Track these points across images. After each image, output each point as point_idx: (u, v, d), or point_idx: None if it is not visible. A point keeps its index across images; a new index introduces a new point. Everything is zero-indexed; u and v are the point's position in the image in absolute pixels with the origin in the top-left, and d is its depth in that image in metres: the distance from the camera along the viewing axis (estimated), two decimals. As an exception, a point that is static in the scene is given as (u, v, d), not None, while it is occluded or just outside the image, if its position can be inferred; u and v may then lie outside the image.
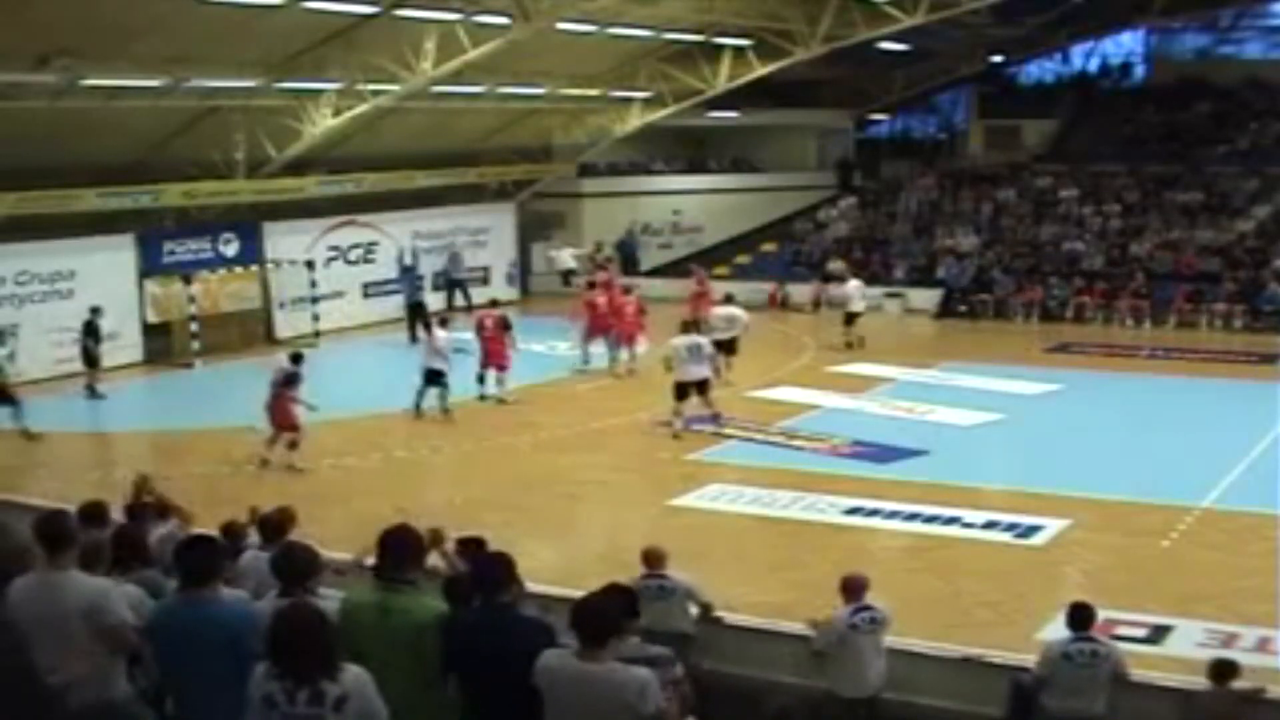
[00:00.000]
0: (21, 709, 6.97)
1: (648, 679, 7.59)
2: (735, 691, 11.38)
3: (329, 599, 8.60)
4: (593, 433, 26.16)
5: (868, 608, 11.92)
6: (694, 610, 12.95)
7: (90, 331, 31.74)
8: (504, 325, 30.01)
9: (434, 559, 11.75)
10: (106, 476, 22.79)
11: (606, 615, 7.87)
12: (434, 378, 27.92)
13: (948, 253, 44.95)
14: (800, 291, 44.00)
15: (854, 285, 37.71)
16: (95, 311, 32.20)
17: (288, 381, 24.60)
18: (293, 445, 24.15)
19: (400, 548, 8.37)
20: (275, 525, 12.05)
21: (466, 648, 7.94)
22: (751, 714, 8.57)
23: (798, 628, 12.85)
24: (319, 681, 6.82)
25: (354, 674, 6.94)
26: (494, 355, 29.47)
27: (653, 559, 12.91)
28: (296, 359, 25.47)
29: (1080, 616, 11.72)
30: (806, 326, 40.05)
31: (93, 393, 31.31)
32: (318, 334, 38.26)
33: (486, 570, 8.26)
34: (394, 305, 42.15)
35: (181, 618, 7.87)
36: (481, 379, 29.65)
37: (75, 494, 12.74)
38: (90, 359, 31.65)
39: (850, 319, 36.59)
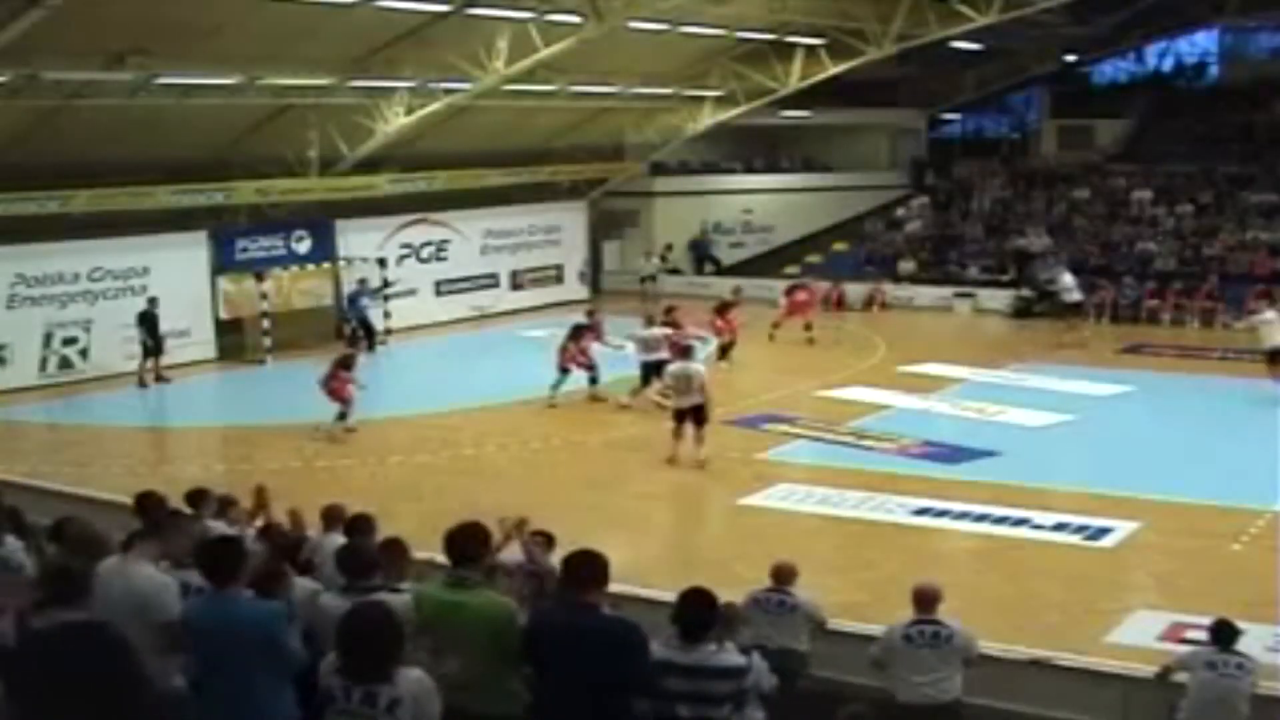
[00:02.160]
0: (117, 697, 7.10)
1: (755, 661, 7.83)
2: (806, 692, 11.41)
3: (404, 593, 8.79)
4: (662, 431, 26.13)
5: (932, 622, 11.56)
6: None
7: (145, 321, 32.14)
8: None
9: (513, 550, 11.84)
10: (177, 471, 23.02)
11: (707, 607, 8.15)
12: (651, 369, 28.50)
13: (1034, 256, 44.52)
14: (855, 290, 43.93)
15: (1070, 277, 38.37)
16: (152, 302, 32.78)
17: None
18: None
19: (468, 545, 8.50)
20: (362, 523, 12.03)
21: (554, 644, 8.01)
22: (823, 716, 8.57)
23: (864, 628, 12.84)
24: (374, 683, 6.98)
25: (412, 678, 7.09)
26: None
27: (781, 574, 12.77)
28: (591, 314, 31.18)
29: (1226, 632, 11.59)
30: (873, 327, 39.90)
31: (143, 384, 31.78)
32: (389, 331, 38.43)
33: (579, 569, 8.29)
34: (465, 304, 42.52)
35: (211, 615, 8.01)
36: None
37: (142, 488, 12.80)
38: (146, 350, 32.00)
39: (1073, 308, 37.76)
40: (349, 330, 36.80)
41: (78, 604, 7.25)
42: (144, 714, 7.30)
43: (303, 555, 11.83)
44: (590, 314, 31.73)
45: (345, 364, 26.99)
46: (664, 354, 27.72)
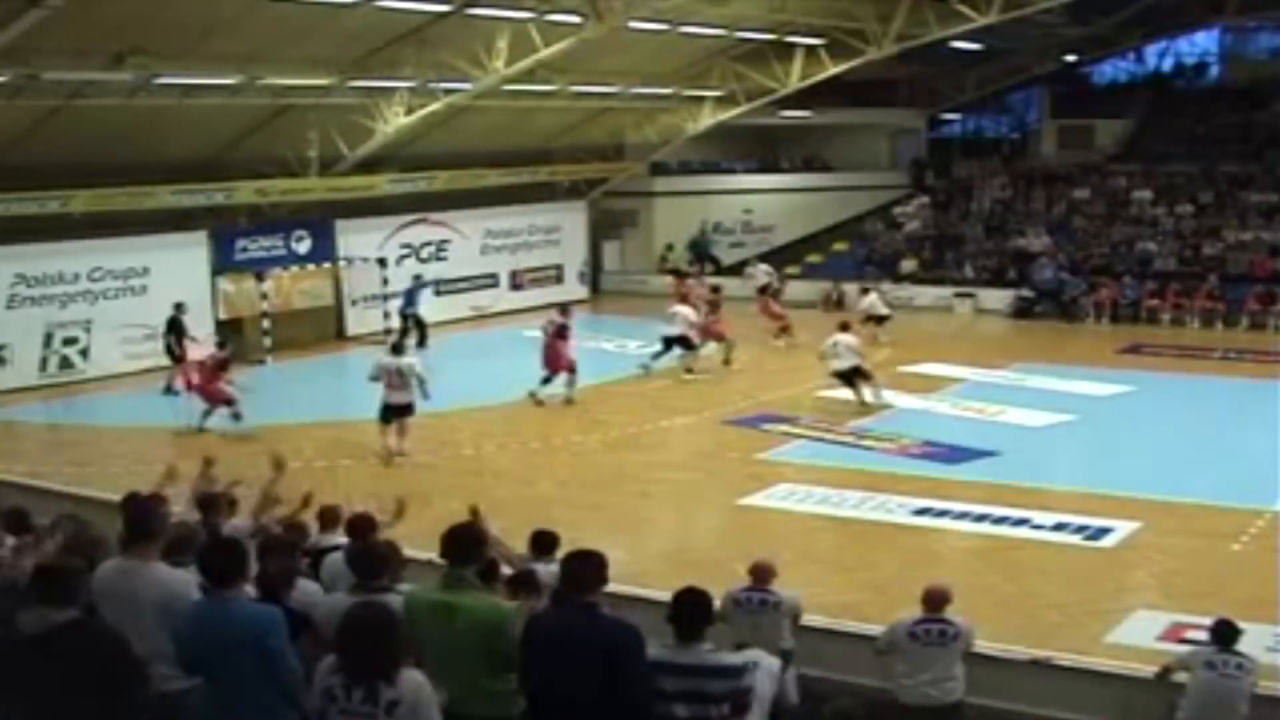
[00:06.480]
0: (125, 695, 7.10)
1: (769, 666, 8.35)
2: (804, 691, 11.40)
3: (400, 594, 8.77)
4: (661, 431, 26.15)
5: (940, 620, 11.59)
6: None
7: (174, 328, 31.91)
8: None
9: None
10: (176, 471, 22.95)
11: (701, 606, 8.15)
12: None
13: (1035, 255, 44.50)
14: (852, 291, 44.00)
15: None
16: (179, 307, 32.14)
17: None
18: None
19: (464, 545, 8.49)
20: (364, 523, 12.01)
21: (551, 646, 7.99)
22: (815, 714, 8.58)
23: (864, 628, 12.84)
24: (375, 683, 6.98)
25: (412, 679, 7.09)
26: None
27: (759, 573, 12.69)
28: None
29: (1226, 631, 11.59)
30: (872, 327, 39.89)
31: (169, 389, 31.55)
32: (389, 331, 38.34)
33: (577, 569, 8.28)
34: (465, 304, 42.50)
35: (206, 618, 7.95)
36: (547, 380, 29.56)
37: (141, 487, 12.78)
38: (173, 355, 31.78)
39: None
40: (410, 324, 36.68)
41: (68, 604, 7.22)
42: (142, 713, 7.29)
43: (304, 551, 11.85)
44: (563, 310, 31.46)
45: (223, 366, 27.34)
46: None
